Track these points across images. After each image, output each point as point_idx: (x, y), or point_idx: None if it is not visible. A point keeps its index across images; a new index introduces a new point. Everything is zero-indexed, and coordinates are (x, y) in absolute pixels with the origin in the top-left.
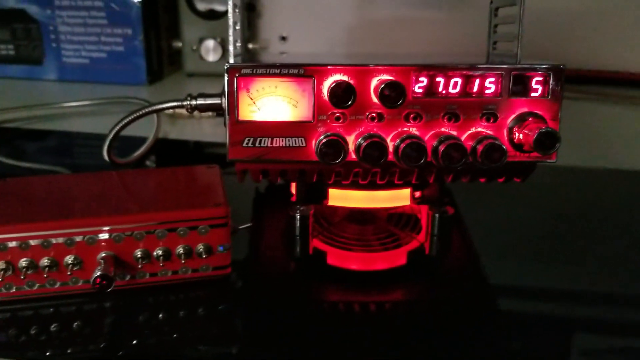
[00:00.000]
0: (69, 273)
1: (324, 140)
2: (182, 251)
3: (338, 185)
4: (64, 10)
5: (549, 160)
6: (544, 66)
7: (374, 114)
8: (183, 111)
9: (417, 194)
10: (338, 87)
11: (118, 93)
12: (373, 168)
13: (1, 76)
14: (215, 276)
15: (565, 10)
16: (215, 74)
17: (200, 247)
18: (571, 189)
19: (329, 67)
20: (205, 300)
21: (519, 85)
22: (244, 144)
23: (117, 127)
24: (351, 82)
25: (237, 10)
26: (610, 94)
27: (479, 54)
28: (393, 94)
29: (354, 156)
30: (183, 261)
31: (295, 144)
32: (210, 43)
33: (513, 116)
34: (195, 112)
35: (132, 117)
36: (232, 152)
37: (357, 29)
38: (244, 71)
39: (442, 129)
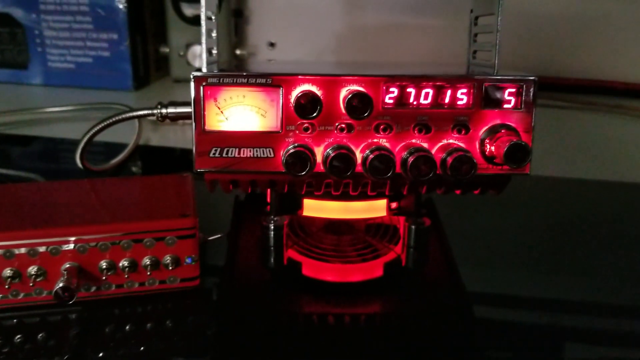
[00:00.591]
0: (31, 284)
1: (291, 151)
2: (148, 262)
3: (312, 195)
4: (50, 14)
5: (522, 173)
6: (516, 77)
7: (343, 125)
8: None
9: (394, 205)
10: (303, 97)
11: (104, 99)
12: (342, 180)
13: None
14: (183, 288)
15: (557, 19)
16: None
17: (168, 259)
18: (555, 199)
19: (298, 77)
20: (173, 313)
21: (492, 96)
22: (211, 154)
23: (90, 134)
24: (319, 92)
25: (213, 18)
26: (602, 103)
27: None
28: (360, 105)
29: (322, 168)
30: (149, 273)
31: (264, 154)
32: (197, 49)
33: (485, 128)
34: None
35: (105, 124)
36: (199, 162)
37: (346, 36)
38: (210, 80)
39: (413, 141)
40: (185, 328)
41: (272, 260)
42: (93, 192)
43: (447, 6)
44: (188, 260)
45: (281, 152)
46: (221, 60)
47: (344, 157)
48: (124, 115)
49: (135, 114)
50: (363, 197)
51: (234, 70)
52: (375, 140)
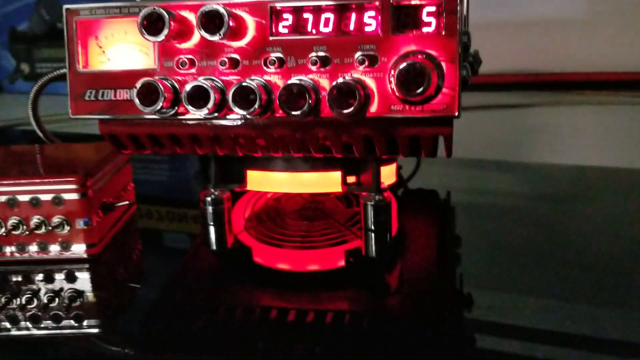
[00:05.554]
0: None
1: (140, 84)
2: (36, 222)
3: (256, 165)
4: None
5: (449, 114)
6: None
7: (226, 59)
8: None
9: (351, 179)
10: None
11: None
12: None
13: None
14: (79, 257)
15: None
16: None
17: (57, 220)
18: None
19: (171, 3)
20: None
21: (404, 18)
22: (86, 97)
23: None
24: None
25: None
26: None
27: None
28: (210, 25)
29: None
30: (41, 232)
31: None
32: None
33: (395, 57)
34: None
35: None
36: (74, 107)
37: None
38: (82, 13)
39: (310, 77)
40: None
41: (212, 241)
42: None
43: None
44: (80, 224)
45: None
46: None
47: (200, 90)
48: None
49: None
50: (315, 168)
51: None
52: (265, 77)
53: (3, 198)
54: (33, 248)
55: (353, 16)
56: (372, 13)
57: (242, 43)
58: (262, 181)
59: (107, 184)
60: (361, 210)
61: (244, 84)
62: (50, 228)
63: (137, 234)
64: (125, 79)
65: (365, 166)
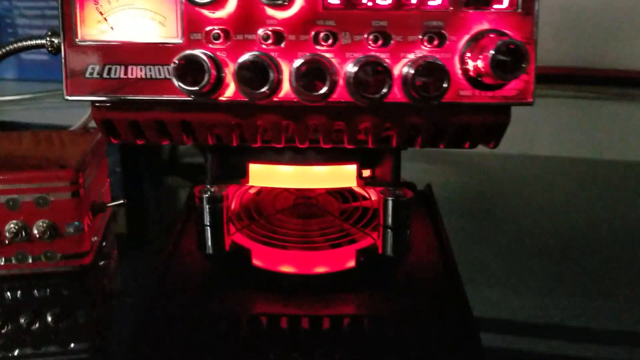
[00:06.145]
0: None
1: (178, 59)
2: (13, 229)
3: (260, 158)
4: (21, 1)
5: (523, 102)
6: None
7: (269, 32)
8: None
9: (366, 172)
10: None
11: None
12: (256, 102)
13: None
14: (67, 268)
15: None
16: None
17: (41, 226)
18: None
19: None
20: (51, 305)
21: None
22: (87, 74)
23: None
24: None
25: None
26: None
27: None
28: None
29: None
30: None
31: (160, 74)
32: None
33: (467, 37)
34: None
35: None
36: (71, 86)
37: None
38: None
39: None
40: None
41: (209, 244)
42: None
43: None
44: (70, 230)
45: None
46: None
47: (259, 66)
48: (9, 48)
49: (23, 44)
50: (328, 160)
51: None
52: (315, 54)
53: None
54: (10, 260)
55: None
56: None
57: (287, 14)
58: (267, 176)
59: (94, 180)
60: (380, 206)
61: (306, 61)
62: (33, 235)
63: (123, 238)
64: (140, 52)
65: (382, 158)
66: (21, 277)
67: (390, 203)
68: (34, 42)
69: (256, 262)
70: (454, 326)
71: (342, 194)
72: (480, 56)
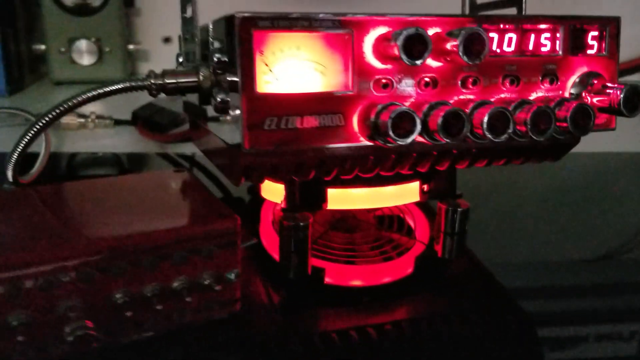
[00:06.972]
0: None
1: (393, 111)
2: (181, 286)
3: (338, 183)
4: None
5: (608, 128)
6: (598, 16)
7: (427, 79)
8: (71, 121)
9: (426, 187)
10: (413, 38)
11: None
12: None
13: None
14: (220, 317)
15: None
16: (91, 80)
17: (207, 278)
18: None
19: (374, 17)
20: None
21: (576, 40)
22: (266, 127)
23: (29, 135)
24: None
25: None
26: None
27: None
28: (479, 47)
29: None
30: (188, 299)
31: (332, 122)
32: (82, 44)
33: (573, 78)
34: (89, 121)
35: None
36: (252, 138)
37: None
38: (261, 24)
39: (502, 96)
40: None
41: (293, 269)
42: (57, 205)
43: None
44: (230, 277)
45: (354, 118)
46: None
47: (455, 115)
48: (102, 90)
49: (119, 86)
50: (395, 180)
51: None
52: (462, 97)
53: (146, 260)
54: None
55: (533, 37)
56: (547, 34)
57: (441, 63)
58: (343, 199)
59: None
60: (442, 215)
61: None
62: (201, 288)
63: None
64: (312, 103)
65: (439, 173)
66: (182, 330)
67: (452, 212)
68: (134, 83)
69: (328, 279)
70: (513, 321)
71: None
72: (596, 98)
